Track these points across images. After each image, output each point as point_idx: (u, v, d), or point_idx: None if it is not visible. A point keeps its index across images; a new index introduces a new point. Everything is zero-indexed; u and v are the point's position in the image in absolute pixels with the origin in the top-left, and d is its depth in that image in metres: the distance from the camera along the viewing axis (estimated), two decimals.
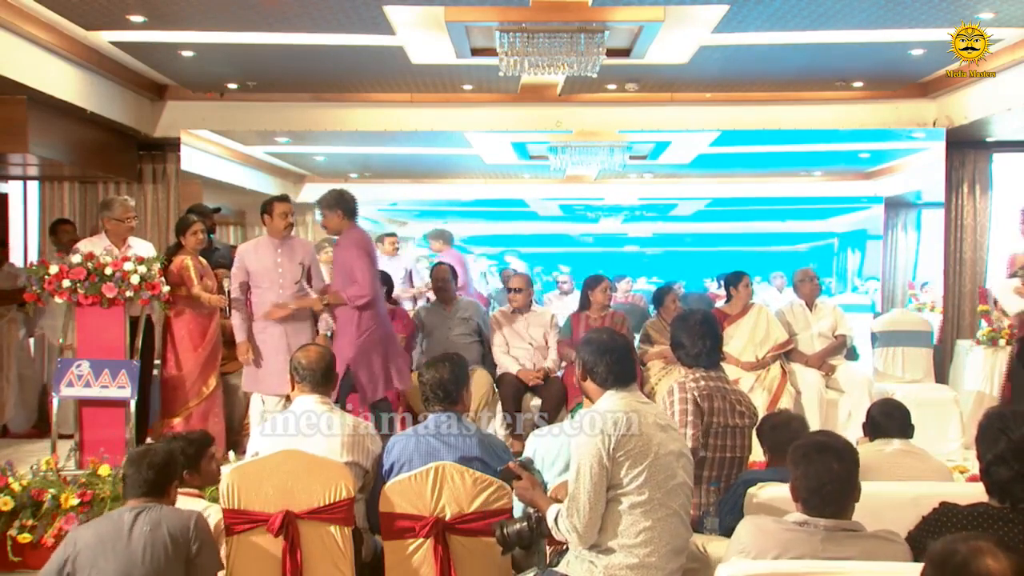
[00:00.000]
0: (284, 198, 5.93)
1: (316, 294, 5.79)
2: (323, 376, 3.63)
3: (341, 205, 5.43)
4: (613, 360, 3.03)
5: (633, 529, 2.83)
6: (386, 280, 6.68)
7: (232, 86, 7.79)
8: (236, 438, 6.05)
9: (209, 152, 8.42)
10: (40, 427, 7.18)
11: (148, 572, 2.96)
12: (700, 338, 3.87)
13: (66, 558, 3.00)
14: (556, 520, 2.91)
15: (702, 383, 3.77)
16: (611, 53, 6.09)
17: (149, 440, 5.42)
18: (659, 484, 2.85)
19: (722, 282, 7.03)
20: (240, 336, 5.77)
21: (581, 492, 2.82)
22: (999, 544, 1.82)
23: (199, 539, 3.06)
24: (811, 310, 6.87)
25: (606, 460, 2.81)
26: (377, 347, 5.47)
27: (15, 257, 8.09)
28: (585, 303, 6.75)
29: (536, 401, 6.29)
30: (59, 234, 7.15)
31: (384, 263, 7.96)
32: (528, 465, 3.14)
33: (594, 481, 2.81)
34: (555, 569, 3.00)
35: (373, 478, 3.52)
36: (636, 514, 2.83)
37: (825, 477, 2.57)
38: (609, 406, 2.96)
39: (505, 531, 3.05)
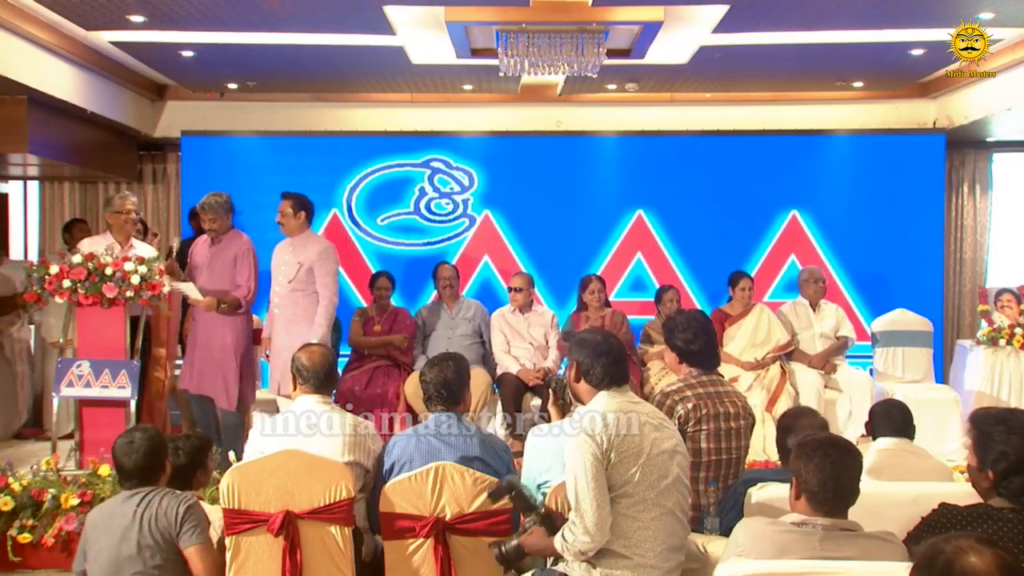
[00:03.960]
0: (282, 195, 5.91)
1: (289, 292, 5.79)
2: (325, 376, 3.62)
3: (232, 210, 5.84)
4: (609, 361, 3.02)
5: (627, 529, 2.82)
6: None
7: (232, 86, 7.80)
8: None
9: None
10: (32, 427, 7.21)
11: (136, 552, 3.13)
12: (694, 338, 3.84)
13: (83, 535, 3.30)
14: (563, 536, 2.86)
15: (687, 392, 3.70)
16: (611, 53, 6.10)
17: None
18: (652, 484, 2.84)
19: None
20: (264, 332, 6.05)
21: (584, 494, 2.79)
22: (981, 540, 1.83)
23: (185, 521, 3.19)
24: (815, 310, 6.86)
25: (602, 459, 2.80)
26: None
27: (15, 258, 8.09)
28: (582, 303, 6.78)
29: (536, 401, 6.28)
30: (73, 232, 7.16)
31: None
32: (515, 483, 3.10)
33: (595, 480, 2.78)
34: (555, 568, 3.00)
35: (374, 477, 3.52)
36: (630, 514, 2.82)
37: (841, 470, 2.58)
38: (602, 406, 2.95)
39: (503, 549, 3.04)
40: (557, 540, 2.90)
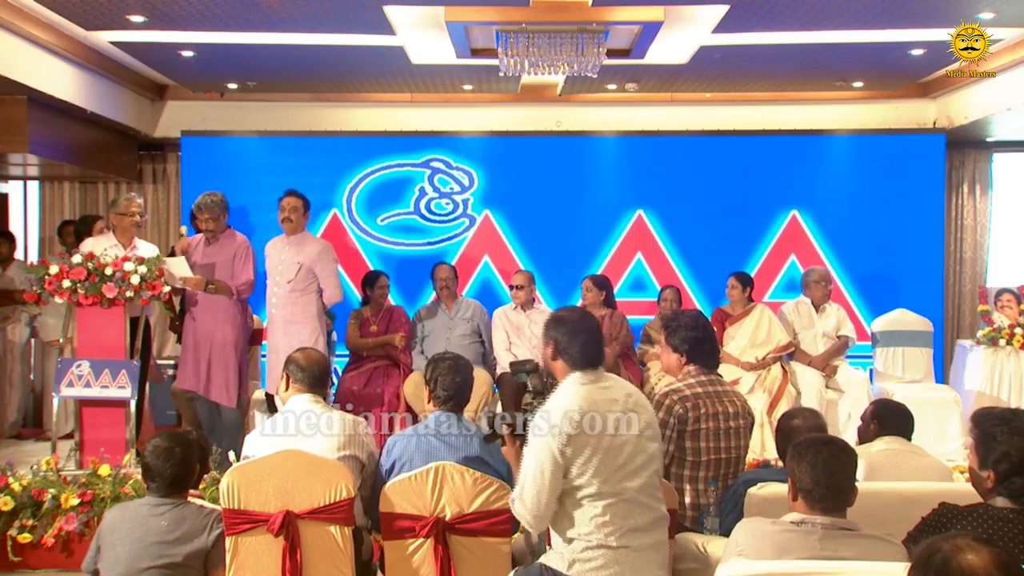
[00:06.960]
0: (289, 193, 5.92)
1: (288, 290, 5.80)
2: (318, 378, 3.61)
3: (227, 209, 5.80)
4: (588, 340, 3.00)
5: (585, 516, 2.83)
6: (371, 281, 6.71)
7: (232, 86, 7.80)
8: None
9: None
10: (32, 427, 7.20)
11: (155, 568, 3.12)
12: (704, 337, 3.85)
13: (98, 533, 3.28)
14: (512, 498, 2.94)
15: (687, 392, 3.71)
16: (611, 53, 6.10)
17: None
18: (608, 477, 2.82)
19: None
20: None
21: (529, 484, 2.83)
22: (979, 539, 1.84)
23: (215, 547, 3.22)
24: (817, 311, 6.84)
25: (558, 457, 2.80)
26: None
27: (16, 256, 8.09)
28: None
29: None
30: (64, 235, 7.16)
31: None
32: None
33: (545, 476, 2.80)
34: (539, 561, 3.00)
35: (371, 472, 3.51)
36: (586, 503, 2.83)
37: (833, 467, 2.59)
38: (567, 399, 2.90)
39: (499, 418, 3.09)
40: (513, 495, 2.95)
